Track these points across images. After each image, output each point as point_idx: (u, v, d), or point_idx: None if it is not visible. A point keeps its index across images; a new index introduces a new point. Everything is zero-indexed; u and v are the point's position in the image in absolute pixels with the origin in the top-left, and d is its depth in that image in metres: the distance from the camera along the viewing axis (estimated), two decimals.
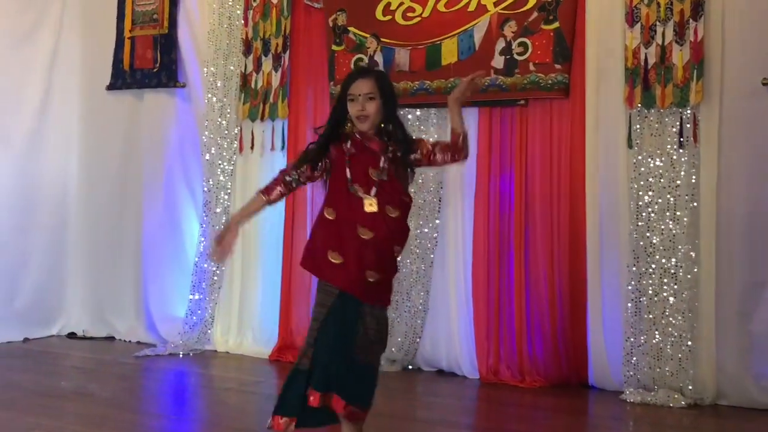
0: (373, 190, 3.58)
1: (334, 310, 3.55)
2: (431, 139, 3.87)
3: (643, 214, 5.31)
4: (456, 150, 3.69)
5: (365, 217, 3.55)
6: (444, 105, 5.75)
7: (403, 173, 3.69)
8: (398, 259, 3.73)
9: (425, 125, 6.01)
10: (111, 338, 7.23)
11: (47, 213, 7.37)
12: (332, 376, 3.50)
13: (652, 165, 5.30)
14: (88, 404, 4.97)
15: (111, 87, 7.32)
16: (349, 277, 3.53)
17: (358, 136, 3.66)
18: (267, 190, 3.72)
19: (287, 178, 3.71)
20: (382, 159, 3.62)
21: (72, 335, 7.31)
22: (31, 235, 7.22)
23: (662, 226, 5.26)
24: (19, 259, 7.12)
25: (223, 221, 6.66)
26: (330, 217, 3.62)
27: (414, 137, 3.87)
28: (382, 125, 3.67)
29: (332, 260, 3.55)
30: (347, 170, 3.62)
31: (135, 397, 5.48)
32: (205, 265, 6.73)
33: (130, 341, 7.11)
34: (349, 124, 3.69)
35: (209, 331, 6.76)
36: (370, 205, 3.57)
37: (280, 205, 6.51)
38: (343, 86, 3.69)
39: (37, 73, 7.33)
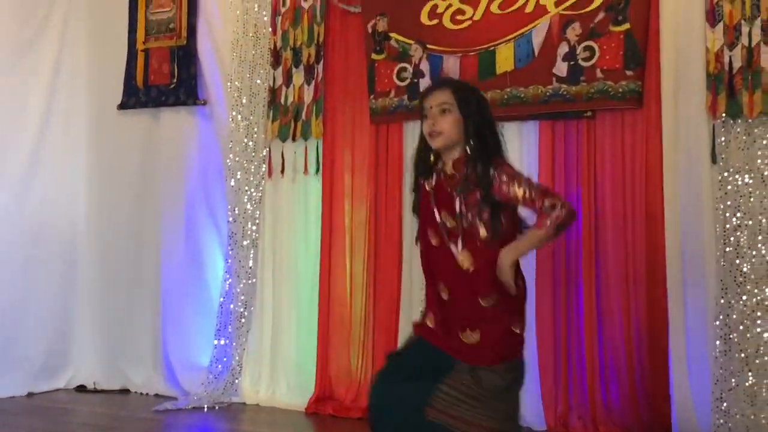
0: (460, 243, 3.58)
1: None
2: (521, 191, 3.53)
3: (732, 238, 5.35)
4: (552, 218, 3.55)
5: (444, 272, 3.62)
6: (499, 118, 5.90)
7: (488, 213, 3.58)
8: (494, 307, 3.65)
9: None
10: (126, 391, 7.34)
11: (52, 249, 7.49)
12: None
13: (740, 182, 5.34)
14: None
15: (123, 106, 7.46)
16: (442, 338, 3.65)
17: (442, 167, 3.65)
18: None
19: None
20: (457, 200, 3.57)
21: (81, 388, 7.42)
22: (35, 274, 7.32)
23: (753, 252, 5.30)
24: (20, 302, 7.20)
25: (251, 255, 6.85)
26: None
27: (500, 166, 3.63)
28: (470, 149, 3.58)
29: (428, 323, 3.70)
30: (432, 211, 3.66)
31: None
32: (232, 306, 6.86)
33: (147, 394, 7.20)
34: (430, 153, 3.68)
35: (237, 381, 6.87)
36: (462, 261, 3.59)
37: (315, 235, 6.71)
38: (420, 103, 3.69)
39: (37, 92, 7.45)
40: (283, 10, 6.85)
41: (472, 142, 3.59)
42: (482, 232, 3.58)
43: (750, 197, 5.33)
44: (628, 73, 5.65)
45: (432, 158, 3.71)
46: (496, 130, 3.72)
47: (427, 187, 3.69)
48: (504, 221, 3.61)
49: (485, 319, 3.59)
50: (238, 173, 6.92)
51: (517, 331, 3.68)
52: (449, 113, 3.58)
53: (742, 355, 5.30)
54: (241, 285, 6.88)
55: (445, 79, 3.75)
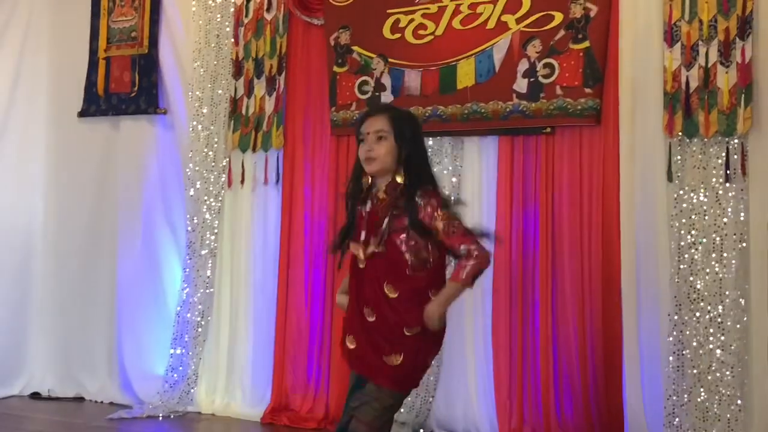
0: (362, 263, 3.67)
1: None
2: (441, 223, 3.58)
3: (686, 255, 5.35)
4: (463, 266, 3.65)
5: (369, 296, 3.66)
6: (459, 133, 5.95)
7: (417, 239, 3.62)
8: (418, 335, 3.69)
9: (438, 156, 6.08)
10: (80, 399, 7.25)
11: (7, 255, 7.40)
12: None
13: (695, 201, 5.35)
14: None
15: (83, 114, 7.41)
16: (364, 359, 3.69)
17: (373, 191, 3.69)
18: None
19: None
20: (384, 223, 3.61)
21: (35, 395, 7.33)
22: None
23: (707, 270, 5.30)
24: None
25: (209, 265, 6.78)
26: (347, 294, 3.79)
27: (428, 194, 3.67)
28: (399, 177, 3.66)
29: (348, 344, 3.74)
30: (359, 236, 3.72)
31: None
32: (189, 315, 6.79)
33: (102, 402, 7.12)
34: (365, 177, 3.73)
35: (192, 391, 6.81)
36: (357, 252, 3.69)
37: (274, 246, 6.66)
38: (356, 127, 3.74)
39: None
40: (245, 21, 6.82)
41: (403, 170, 3.65)
42: (408, 258, 3.62)
43: (704, 215, 5.34)
44: (587, 90, 5.66)
45: (368, 182, 3.74)
46: (428, 160, 3.82)
47: (363, 213, 3.71)
48: (431, 250, 3.65)
49: (407, 345, 3.63)
50: (198, 183, 6.87)
51: (428, 364, 3.81)
52: (385, 140, 3.63)
53: (695, 371, 5.31)
54: (199, 294, 6.81)
55: (382, 106, 3.83)
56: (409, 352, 3.62)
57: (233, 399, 6.77)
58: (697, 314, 5.32)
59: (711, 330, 5.29)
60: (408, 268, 3.62)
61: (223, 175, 6.85)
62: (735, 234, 5.26)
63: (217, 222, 6.85)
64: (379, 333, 3.62)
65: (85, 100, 7.40)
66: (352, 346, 3.69)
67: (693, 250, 5.35)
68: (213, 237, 6.84)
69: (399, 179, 3.66)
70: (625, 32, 5.67)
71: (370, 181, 3.73)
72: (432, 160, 3.91)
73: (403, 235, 3.60)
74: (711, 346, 5.28)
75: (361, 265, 3.70)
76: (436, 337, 3.74)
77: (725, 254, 5.28)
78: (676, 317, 5.38)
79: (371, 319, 3.64)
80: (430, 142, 6.08)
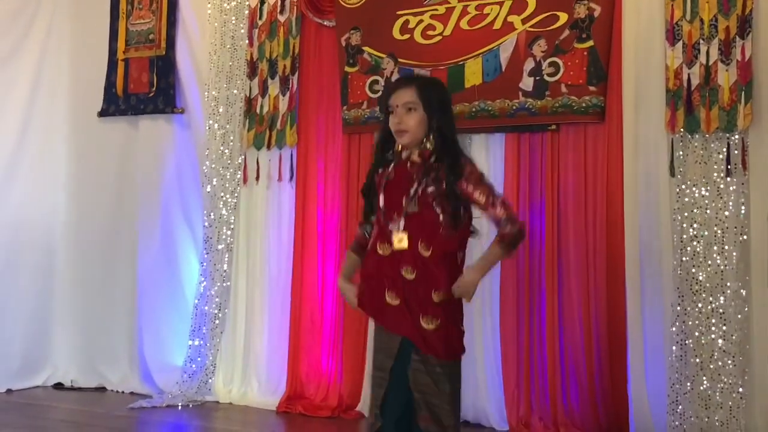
0: (401, 222, 3.57)
1: (397, 367, 3.57)
2: (484, 195, 3.58)
3: (688, 248, 5.36)
4: (509, 232, 3.59)
5: (404, 255, 3.54)
6: (467, 130, 5.95)
7: (449, 204, 3.57)
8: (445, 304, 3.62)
9: None
10: (102, 389, 7.28)
11: (31, 253, 7.41)
12: None
13: (697, 195, 5.36)
14: None
15: (103, 113, 7.42)
16: (404, 320, 3.55)
17: (403, 156, 3.65)
18: (356, 251, 3.89)
19: (361, 232, 3.85)
20: (416, 184, 3.56)
21: (59, 386, 7.37)
22: (14, 276, 7.26)
23: (709, 262, 5.31)
24: (1, 305, 7.15)
25: (226, 259, 6.80)
26: (382, 253, 3.63)
27: (468, 165, 3.67)
28: (430, 144, 3.61)
29: (390, 302, 3.58)
30: (381, 198, 3.63)
31: None
32: (206, 308, 6.82)
33: (123, 392, 7.15)
34: (395, 146, 3.69)
35: (210, 381, 6.83)
36: (399, 241, 3.55)
37: (288, 240, 6.68)
38: (382, 98, 3.71)
39: (18, 98, 7.38)
40: (259, 23, 6.82)
41: (435, 138, 3.61)
42: (443, 221, 3.59)
43: (706, 209, 5.35)
44: (591, 88, 5.66)
45: (398, 149, 3.70)
46: (455, 126, 3.73)
47: (387, 178, 3.66)
48: (463, 213, 3.64)
49: (439, 311, 3.57)
50: (214, 180, 6.89)
51: (462, 330, 3.73)
52: (415, 111, 3.59)
53: (697, 360, 5.32)
54: (216, 287, 6.84)
55: (410, 77, 3.74)
56: (443, 317, 3.56)
57: (250, 388, 6.78)
58: (699, 305, 5.33)
59: (713, 320, 5.29)
60: (442, 227, 3.57)
61: (239, 172, 6.86)
62: (736, 227, 5.26)
63: (233, 217, 6.87)
64: (416, 292, 3.55)
65: (105, 100, 7.42)
66: (395, 303, 3.57)
67: (695, 243, 5.35)
68: (229, 232, 6.86)
69: (429, 146, 3.62)
70: (627, 32, 5.67)
71: (399, 148, 3.69)
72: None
73: (438, 198, 3.56)
74: (713, 336, 5.29)
75: (392, 228, 3.61)
76: (459, 304, 3.68)
77: (726, 247, 5.28)
78: (678, 308, 5.38)
79: (410, 277, 3.56)
80: None
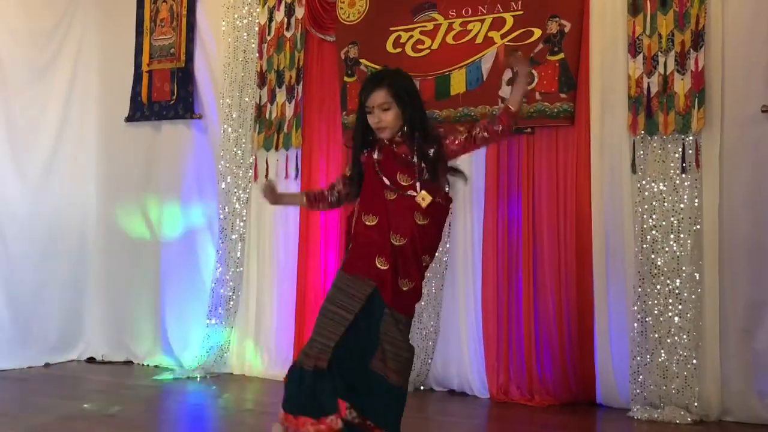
0: (418, 185, 3.56)
1: (362, 315, 3.55)
2: (465, 125, 3.73)
3: (648, 236, 5.37)
4: (505, 126, 3.58)
5: (397, 224, 3.54)
6: None
7: (434, 173, 3.61)
8: (424, 269, 3.66)
9: None
10: (129, 363, 7.27)
11: (67, 242, 7.40)
12: (355, 388, 3.51)
13: (655, 189, 5.37)
14: (112, 426, 4.98)
15: (129, 119, 7.39)
16: (386, 282, 3.52)
17: (386, 142, 3.64)
18: (309, 197, 3.95)
19: (329, 198, 3.86)
20: (416, 159, 3.57)
21: (91, 360, 7.36)
22: (52, 264, 7.25)
23: (666, 249, 5.32)
24: (40, 287, 7.13)
25: (239, 247, 6.77)
26: (371, 223, 3.60)
27: (443, 131, 3.76)
28: (407, 129, 3.63)
29: (380, 266, 3.54)
30: (382, 176, 3.61)
31: (156, 419, 5.51)
32: (222, 291, 6.80)
33: (148, 365, 7.15)
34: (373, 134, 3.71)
35: (226, 355, 6.81)
36: (423, 199, 3.55)
37: (294, 231, 6.65)
38: (360, 97, 3.67)
39: (55, 106, 7.36)
40: (268, 38, 6.79)
41: (411, 123, 3.64)
42: (441, 186, 3.65)
43: (664, 202, 5.35)
44: (562, 95, 5.65)
45: (373, 137, 3.72)
46: (424, 107, 3.76)
47: (376, 156, 3.66)
48: (447, 178, 3.70)
49: (419, 272, 3.61)
50: (228, 177, 6.85)
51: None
52: (390, 110, 3.61)
53: (656, 335, 5.33)
54: (230, 273, 6.81)
55: (379, 75, 3.71)
56: (417, 280, 3.59)
57: (260, 362, 6.76)
58: (658, 287, 5.34)
59: (670, 300, 5.30)
60: (438, 195, 3.60)
61: (250, 171, 6.83)
62: (690, 218, 5.28)
63: (245, 211, 6.84)
64: (404, 256, 3.54)
65: (131, 107, 7.40)
66: (384, 267, 3.54)
67: (654, 232, 5.36)
68: (242, 223, 6.83)
69: (407, 129, 3.64)
70: (594, 45, 5.67)
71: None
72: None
73: (430, 166, 3.59)
74: (670, 314, 5.30)
75: (392, 197, 3.61)
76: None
77: (682, 235, 5.29)
78: (639, 289, 5.39)
79: (400, 243, 3.54)
80: None
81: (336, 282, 3.67)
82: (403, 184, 3.58)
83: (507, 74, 5.80)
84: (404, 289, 3.54)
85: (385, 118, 3.61)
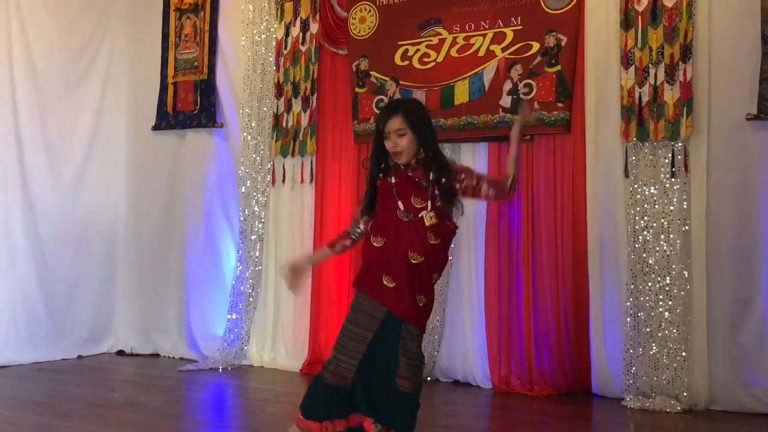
0: (429, 204, 3.55)
1: (380, 333, 3.51)
2: (477, 172, 3.67)
3: (640, 237, 5.38)
4: (503, 191, 3.59)
5: (413, 244, 3.50)
6: (456, 140, 5.95)
7: (445, 201, 3.58)
8: (433, 284, 3.62)
9: None
10: (156, 355, 7.31)
11: (98, 243, 7.45)
12: (378, 402, 3.49)
13: (647, 193, 5.38)
14: (140, 414, 5.04)
15: (156, 128, 7.43)
16: (401, 299, 3.50)
17: (402, 167, 3.63)
18: (331, 245, 3.85)
19: (351, 235, 3.78)
20: (429, 185, 3.55)
21: (121, 352, 7.39)
22: (84, 264, 7.30)
23: (657, 248, 5.33)
24: (73, 285, 7.19)
25: (258, 247, 6.80)
26: (378, 245, 3.57)
27: (457, 165, 3.72)
28: (422, 155, 3.59)
29: (387, 284, 3.51)
30: (397, 200, 3.58)
31: (181, 407, 5.57)
32: (242, 288, 6.83)
33: (173, 357, 7.17)
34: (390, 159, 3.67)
35: (245, 348, 6.82)
36: (430, 219, 3.53)
37: (309, 232, 6.68)
38: (377, 125, 3.67)
39: (87, 115, 7.40)
40: (285, 52, 6.81)
41: (424, 149, 3.61)
42: (447, 213, 3.60)
43: (654, 204, 5.37)
44: (559, 105, 5.66)
45: (391, 161, 3.67)
46: (436, 136, 3.72)
47: (393, 180, 3.62)
48: (459, 209, 3.64)
49: (432, 289, 3.59)
50: (248, 182, 6.87)
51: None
52: (405, 135, 3.59)
53: (647, 329, 5.34)
54: (250, 271, 6.83)
55: (395, 104, 3.71)
56: (431, 296, 3.58)
57: (278, 354, 6.77)
58: (649, 284, 5.35)
59: (660, 297, 5.31)
60: (447, 219, 3.59)
61: (268, 176, 6.85)
62: (679, 219, 5.29)
63: (263, 213, 6.85)
64: (420, 273, 3.51)
65: (158, 117, 7.43)
66: (391, 285, 3.52)
67: (645, 233, 5.37)
68: (260, 225, 6.85)
69: (421, 155, 3.60)
70: (589, 58, 5.67)
71: (394, 161, 3.67)
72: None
73: (442, 193, 3.56)
74: (660, 310, 5.31)
75: (405, 219, 3.57)
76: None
77: (671, 236, 5.30)
78: (632, 286, 5.40)
79: (417, 261, 3.51)
80: None
81: (353, 303, 3.66)
82: (417, 206, 3.56)
83: (507, 85, 5.82)
84: (420, 305, 3.52)
85: (400, 142, 3.59)
